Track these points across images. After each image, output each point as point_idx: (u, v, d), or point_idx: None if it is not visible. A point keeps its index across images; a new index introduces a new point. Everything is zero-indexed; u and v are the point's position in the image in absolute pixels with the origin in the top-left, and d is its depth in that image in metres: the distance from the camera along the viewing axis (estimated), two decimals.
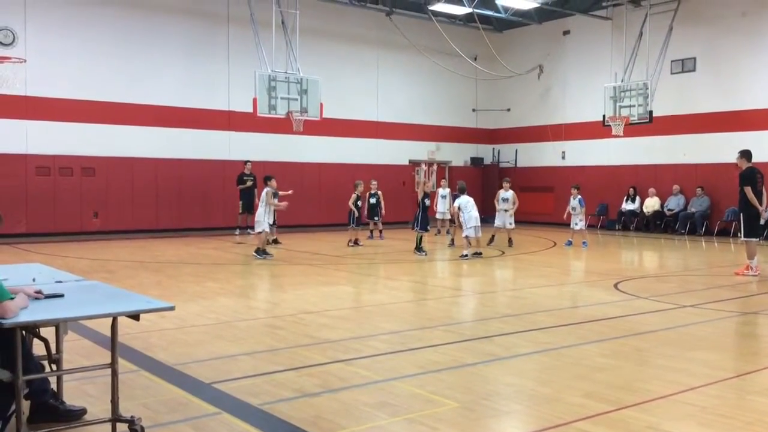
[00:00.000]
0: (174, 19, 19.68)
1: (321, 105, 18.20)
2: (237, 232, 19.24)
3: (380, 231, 18.77)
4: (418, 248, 15.15)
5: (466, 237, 14.49)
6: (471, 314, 8.59)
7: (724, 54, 20.27)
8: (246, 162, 19.41)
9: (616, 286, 10.63)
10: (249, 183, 19.18)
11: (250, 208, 18.38)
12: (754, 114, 19.62)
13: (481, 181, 26.08)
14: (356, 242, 17.04)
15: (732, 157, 19.97)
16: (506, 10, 22.81)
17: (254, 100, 17.25)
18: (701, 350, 6.56)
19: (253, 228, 16.81)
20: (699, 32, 20.68)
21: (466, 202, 14.53)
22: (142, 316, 4.14)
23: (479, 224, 14.54)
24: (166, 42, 19.56)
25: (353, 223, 17.22)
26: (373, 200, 18.17)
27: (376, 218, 18.43)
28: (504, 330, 7.51)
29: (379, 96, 23.79)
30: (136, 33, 19.06)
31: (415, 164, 25.13)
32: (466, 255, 14.33)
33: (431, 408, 4.83)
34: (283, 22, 18.56)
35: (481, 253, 14.70)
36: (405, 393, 5.17)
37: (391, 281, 11.58)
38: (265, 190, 14.37)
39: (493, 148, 26.90)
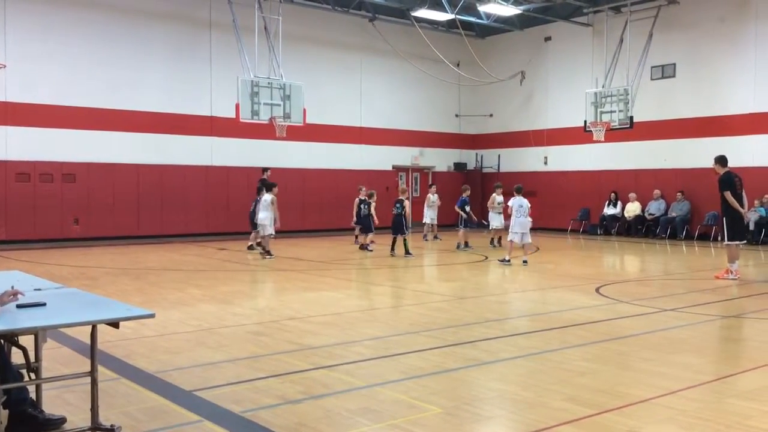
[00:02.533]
0: (156, 24, 19.60)
1: (304, 110, 18.20)
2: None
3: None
4: (407, 251, 15.36)
5: (510, 241, 14.16)
6: (454, 319, 8.60)
7: (704, 60, 20.53)
8: (264, 169, 19.26)
9: (597, 290, 10.70)
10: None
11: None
12: (733, 119, 19.87)
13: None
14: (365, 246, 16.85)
15: (711, 162, 20.24)
16: (488, 16, 22.95)
17: (237, 106, 17.24)
18: (682, 354, 6.61)
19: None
20: (678, 38, 20.93)
21: (519, 205, 14.08)
22: (122, 323, 4.11)
23: (527, 230, 14.10)
24: (148, 47, 19.46)
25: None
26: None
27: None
28: (487, 335, 7.53)
29: (362, 101, 23.81)
30: (117, 38, 18.95)
31: (398, 169, 25.17)
32: (508, 260, 13.97)
33: (414, 414, 4.83)
34: (265, 28, 18.57)
35: (525, 261, 14.11)
36: (388, 399, 5.16)
37: (375, 287, 11.57)
38: (270, 197, 15.18)
39: (476, 154, 27.02)
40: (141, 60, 19.36)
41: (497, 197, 17.61)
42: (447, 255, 16.61)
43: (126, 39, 19.10)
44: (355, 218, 17.78)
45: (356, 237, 18.60)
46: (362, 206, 17.32)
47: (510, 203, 14.59)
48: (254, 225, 17.35)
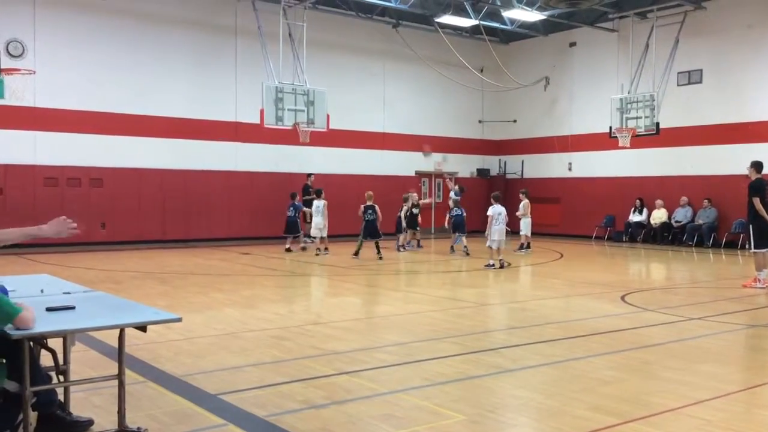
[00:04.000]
0: (182, 31, 19.83)
1: (327, 116, 18.29)
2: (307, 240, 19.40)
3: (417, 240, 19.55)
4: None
5: (489, 247, 14.70)
6: (477, 326, 8.58)
7: (731, 66, 20.27)
8: (309, 175, 19.78)
9: (623, 298, 10.60)
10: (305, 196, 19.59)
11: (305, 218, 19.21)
12: (761, 126, 19.58)
13: (488, 193, 26.05)
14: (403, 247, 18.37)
15: (739, 169, 19.95)
16: (512, 22, 22.89)
17: (261, 112, 17.36)
18: (708, 363, 6.53)
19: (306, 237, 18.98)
20: (705, 44, 20.69)
21: (498, 213, 14.69)
22: (149, 327, 4.16)
23: (503, 237, 14.74)
24: (174, 54, 19.70)
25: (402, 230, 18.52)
26: (415, 210, 18.81)
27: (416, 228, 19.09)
28: (510, 342, 7.50)
29: (385, 107, 23.86)
30: (144, 45, 19.20)
31: (421, 175, 25.17)
32: (492, 264, 14.55)
33: (437, 420, 4.82)
34: (290, 35, 18.70)
35: (503, 266, 14.63)
36: (411, 405, 5.16)
37: (396, 292, 11.57)
38: (322, 202, 17.16)
39: (500, 159, 26.92)
40: (167, 66, 19.60)
41: (525, 202, 18.22)
42: (467, 261, 16.55)
43: (153, 45, 19.35)
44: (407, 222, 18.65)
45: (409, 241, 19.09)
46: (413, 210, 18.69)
47: (490, 212, 14.85)
48: (291, 230, 17.59)
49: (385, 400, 5.29)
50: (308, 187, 19.79)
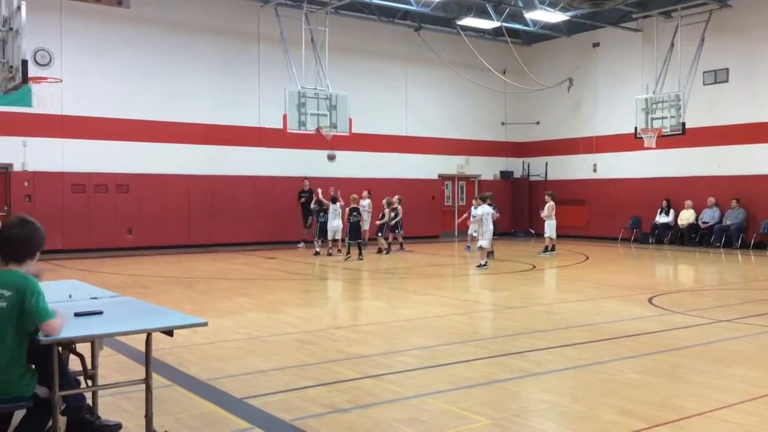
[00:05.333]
0: (206, 38, 20.03)
1: (350, 120, 18.35)
2: (301, 244, 19.81)
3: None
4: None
5: (481, 247, 14.93)
6: (502, 329, 8.53)
7: (758, 64, 19.97)
8: (304, 179, 19.93)
9: (650, 300, 10.47)
10: (302, 200, 19.83)
11: (306, 222, 19.80)
12: None
13: (511, 195, 25.97)
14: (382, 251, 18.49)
15: (766, 169, 19.65)
16: (535, 23, 22.77)
17: (284, 117, 17.46)
18: (738, 366, 6.42)
19: (304, 242, 19.88)
20: (731, 43, 20.40)
21: (488, 213, 14.96)
22: (175, 331, 4.20)
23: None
24: (198, 61, 19.91)
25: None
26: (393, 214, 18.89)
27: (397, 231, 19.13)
28: (536, 345, 7.44)
29: (407, 110, 23.87)
30: (169, 52, 19.43)
31: (444, 178, 25.12)
32: (485, 264, 14.74)
33: (463, 425, 4.80)
34: (312, 40, 18.79)
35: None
36: (436, 409, 5.14)
37: (420, 296, 11.54)
38: (339, 204, 17.53)
39: (523, 162, 26.77)
40: (191, 73, 19.81)
41: (550, 203, 18.12)
42: (493, 264, 16.47)
43: (177, 53, 19.58)
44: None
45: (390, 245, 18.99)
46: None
47: (480, 211, 14.96)
48: (324, 233, 17.72)
49: (410, 404, 5.28)
50: (301, 192, 19.91)
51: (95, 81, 18.32)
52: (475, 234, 16.62)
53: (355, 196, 17.43)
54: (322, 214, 18.03)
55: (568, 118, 25.20)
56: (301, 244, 19.78)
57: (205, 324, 4.20)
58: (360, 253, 16.80)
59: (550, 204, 18.09)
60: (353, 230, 16.87)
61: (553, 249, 18.00)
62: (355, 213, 16.92)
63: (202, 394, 5.54)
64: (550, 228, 17.97)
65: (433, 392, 5.59)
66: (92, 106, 18.30)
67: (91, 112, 18.32)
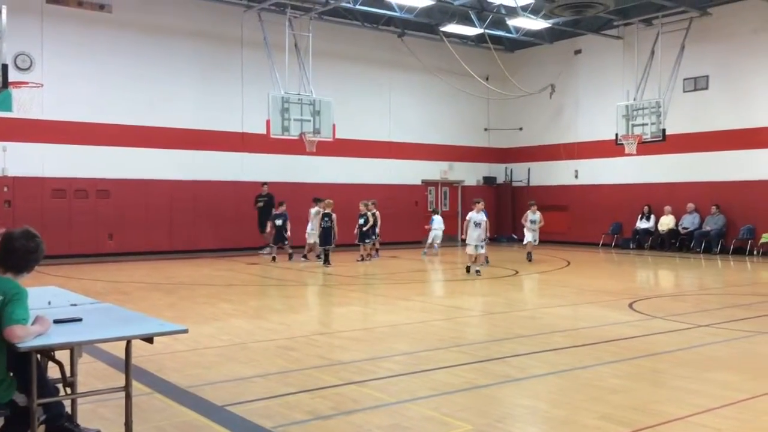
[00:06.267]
0: (188, 42, 19.94)
1: (334, 126, 18.33)
2: (265, 250, 19.38)
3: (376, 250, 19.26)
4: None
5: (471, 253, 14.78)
6: (484, 335, 8.55)
7: (737, 71, 20.23)
8: (263, 184, 19.76)
9: (631, 305, 10.55)
10: (260, 204, 19.51)
11: (263, 227, 19.36)
12: (767, 131, 19.52)
13: (494, 200, 26.06)
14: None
15: (747, 175, 19.97)
16: (518, 30, 22.92)
17: (267, 122, 17.42)
18: (717, 371, 6.49)
19: (264, 248, 19.33)
20: (711, 50, 20.66)
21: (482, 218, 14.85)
22: (156, 338, 4.17)
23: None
24: (181, 65, 19.82)
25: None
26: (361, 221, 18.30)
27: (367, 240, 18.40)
28: (518, 351, 7.47)
29: (391, 116, 23.90)
30: (151, 56, 19.32)
31: (428, 184, 25.18)
32: (478, 270, 14.65)
33: (445, 431, 4.80)
34: (296, 45, 18.78)
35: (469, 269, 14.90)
36: (418, 415, 5.14)
37: (403, 301, 11.55)
38: (316, 209, 17.40)
39: (506, 167, 26.90)
40: (174, 77, 19.70)
41: (531, 214, 17.93)
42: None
43: (159, 57, 19.47)
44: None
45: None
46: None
47: (484, 216, 14.86)
48: (282, 239, 17.68)
49: (393, 410, 5.28)
50: (258, 197, 19.71)
51: (76, 85, 18.16)
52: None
53: (329, 201, 17.35)
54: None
55: (551, 124, 25.37)
56: (266, 250, 19.42)
57: (185, 331, 4.17)
58: (327, 260, 16.55)
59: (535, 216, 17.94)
60: (325, 236, 16.73)
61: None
62: (326, 218, 16.78)
63: (182, 402, 5.50)
64: (532, 236, 17.94)
65: (415, 398, 5.59)
66: (73, 111, 18.13)
67: (72, 116, 18.15)
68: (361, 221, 18.07)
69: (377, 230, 18.66)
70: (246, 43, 20.48)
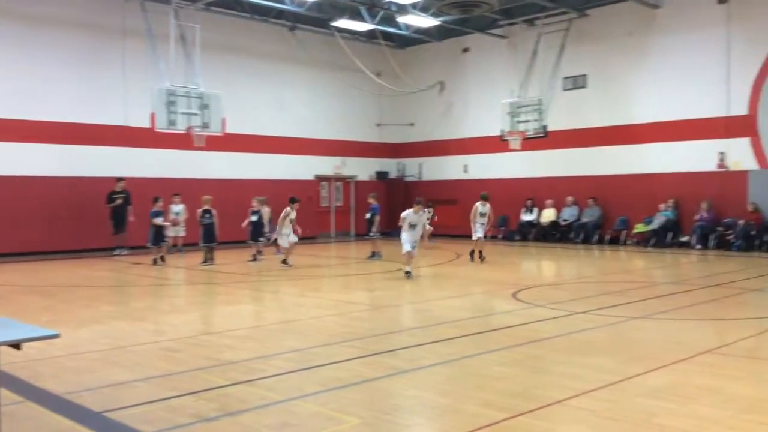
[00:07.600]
0: (65, 32, 18.89)
1: (223, 120, 17.92)
2: (116, 251, 18.50)
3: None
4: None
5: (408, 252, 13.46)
6: (374, 328, 8.63)
7: (613, 71, 21.41)
8: (119, 179, 18.71)
9: (514, 295, 10.95)
10: (119, 201, 18.53)
11: (118, 227, 18.56)
12: (640, 128, 20.78)
13: (387, 195, 26.34)
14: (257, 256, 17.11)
15: (622, 169, 21.08)
16: (408, 27, 23.24)
17: (152, 115, 16.80)
18: (593, 356, 6.84)
19: (118, 249, 18.54)
20: (589, 50, 21.75)
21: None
22: (29, 344, 3.93)
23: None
24: (57, 55, 18.73)
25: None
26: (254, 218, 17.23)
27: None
28: (408, 343, 7.59)
29: (283, 111, 23.63)
30: (24, 47, 18.15)
31: (321, 179, 25.11)
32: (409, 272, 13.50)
33: (333, 426, 4.81)
34: (182, 36, 18.19)
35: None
36: (307, 412, 5.12)
37: (295, 297, 11.47)
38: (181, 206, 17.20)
39: (398, 162, 27.25)
40: (50, 68, 18.59)
41: (481, 207, 16.68)
42: (365, 265, 16.65)
43: (33, 47, 18.32)
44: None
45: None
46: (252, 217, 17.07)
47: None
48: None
49: (281, 408, 5.23)
50: (113, 193, 18.57)
51: None
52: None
53: (208, 197, 16.73)
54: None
55: (441, 120, 25.92)
56: (118, 251, 18.52)
57: (56, 336, 3.97)
58: (211, 258, 16.04)
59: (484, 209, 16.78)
60: (207, 233, 16.12)
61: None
62: (207, 215, 16.16)
63: (56, 410, 5.21)
64: (482, 231, 16.74)
65: (304, 395, 5.56)
66: None
67: None
68: (254, 218, 17.11)
69: (267, 228, 17.93)
70: (128, 33, 19.59)
